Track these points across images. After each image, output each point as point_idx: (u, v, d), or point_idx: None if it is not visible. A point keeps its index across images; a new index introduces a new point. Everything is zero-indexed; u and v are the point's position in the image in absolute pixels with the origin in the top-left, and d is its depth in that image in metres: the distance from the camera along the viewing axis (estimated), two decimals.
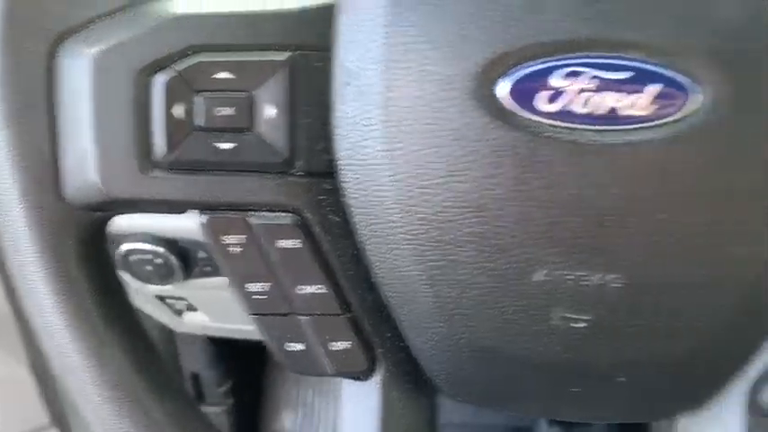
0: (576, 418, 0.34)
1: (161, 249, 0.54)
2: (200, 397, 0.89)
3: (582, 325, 0.29)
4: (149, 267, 0.57)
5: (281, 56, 0.29)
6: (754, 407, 0.32)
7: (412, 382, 0.35)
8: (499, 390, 0.33)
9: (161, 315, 0.70)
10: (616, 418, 0.34)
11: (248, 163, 0.30)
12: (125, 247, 0.56)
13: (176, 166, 0.30)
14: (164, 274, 0.59)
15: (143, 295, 0.65)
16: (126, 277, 0.59)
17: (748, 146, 0.27)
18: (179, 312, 0.71)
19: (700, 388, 0.32)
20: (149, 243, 0.55)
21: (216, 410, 0.92)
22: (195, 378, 0.89)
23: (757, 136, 0.26)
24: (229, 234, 0.31)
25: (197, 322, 0.71)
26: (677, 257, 0.28)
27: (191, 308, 0.69)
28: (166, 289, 0.63)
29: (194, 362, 0.88)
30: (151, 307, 0.68)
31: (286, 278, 0.32)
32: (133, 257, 0.56)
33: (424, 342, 0.32)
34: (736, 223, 0.27)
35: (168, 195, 0.31)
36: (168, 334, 0.83)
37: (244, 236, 0.31)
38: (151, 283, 0.60)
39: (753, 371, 0.32)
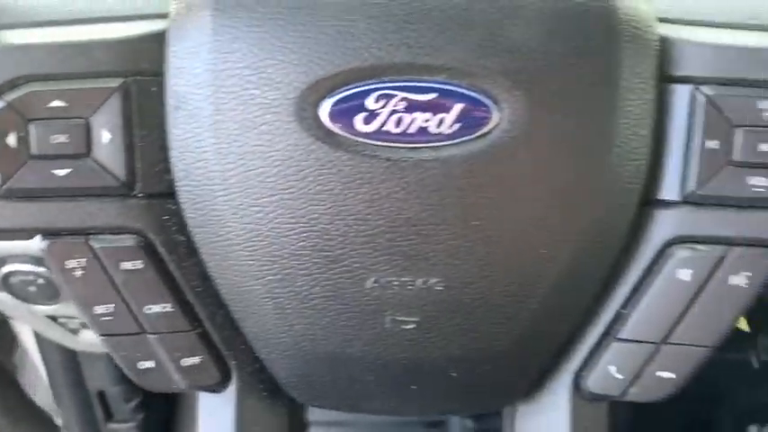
0: (420, 414, 0.36)
1: (42, 269, 0.54)
2: (108, 415, 0.88)
3: (411, 326, 0.32)
4: (33, 288, 0.56)
5: (114, 82, 0.30)
6: (579, 391, 0.35)
7: (268, 390, 0.36)
8: (345, 392, 0.35)
9: (55, 335, 0.70)
10: (458, 412, 0.37)
11: (87, 188, 0.31)
12: (5, 268, 0.55)
13: (12, 195, 0.31)
14: (49, 294, 0.58)
15: (33, 316, 0.64)
16: (10, 299, 0.59)
17: (544, 158, 0.29)
18: (74, 331, 0.70)
19: (525, 377, 0.35)
20: (30, 263, 0.54)
21: (126, 427, 0.91)
22: (102, 396, 0.87)
23: (551, 149, 0.29)
24: (72, 258, 0.32)
25: (94, 340, 0.71)
26: (489, 260, 0.30)
27: (85, 325, 0.68)
28: (56, 308, 0.62)
29: (99, 379, 0.87)
30: (44, 327, 0.68)
31: (132, 299, 0.33)
32: (14, 279, 0.55)
33: (270, 352, 0.34)
34: (537, 228, 0.30)
35: (7, 224, 0.31)
36: (70, 353, 0.82)
37: (85, 259, 0.32)
38: (38, 303, 0.60)
39: (576, 359, 0.35)
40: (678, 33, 0.31)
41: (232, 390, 0.36)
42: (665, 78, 0.31)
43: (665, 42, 0.31)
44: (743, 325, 0.55)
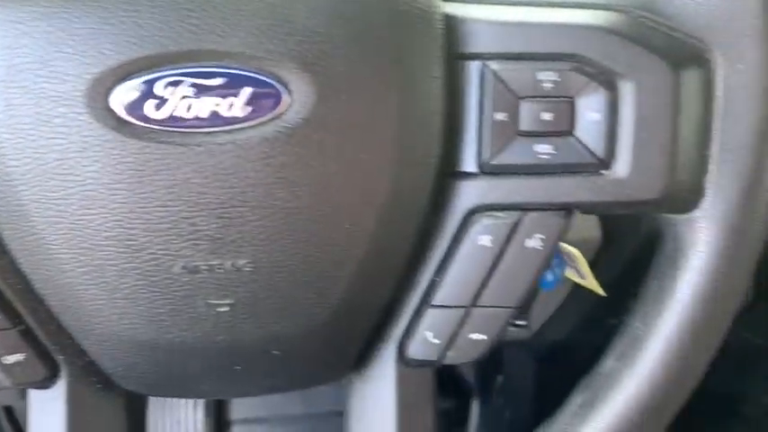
0: (251, 394, 0.37)
1: None
2: (17, 431, 0.85)
3: (226, 309, 0.32)
4: None
5: None
6: (402, 359, 0.37)
7: (102, 383, 0.36)
8: (173, 378, 0.35)
9: None
10: (288, 388, 0.38)
11: None
12: None
13: None
14: None
15: None
16: None
17: (337, 138, 0.30)
18: None
19: (349, 350, 0.36)
20: None
21: None
22: (9, 411, 0.85)
23: (342, 129, 0.30)
24: None
25: None
26: (294, 239, 0.31)
27: None
28: None
29: (5, 394, 0.84)
30: None
31: None
32: None
33: (91, 344, 0.34)
34: (337, 205, 0.31)
35: None
36: None
37: None
38: None
39: (398, 328, 0.36)
40: (464, 12, 0.33)
41: (62, 385, 0.35)
42: (456, 56, 0.33)
43: (451, 21, 0.33)
44: (598, 288, 0.58)
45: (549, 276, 0.54)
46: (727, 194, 0.33)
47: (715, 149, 0.33)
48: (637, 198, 0.33)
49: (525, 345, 1.05)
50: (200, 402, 0.93)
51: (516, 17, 0.33)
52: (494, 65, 0.33)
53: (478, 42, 0.33)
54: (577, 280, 0.60)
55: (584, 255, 0.74)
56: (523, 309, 0.56)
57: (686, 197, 0.34)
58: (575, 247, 0.61)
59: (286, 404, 1.11)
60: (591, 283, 0.58)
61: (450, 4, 0.33)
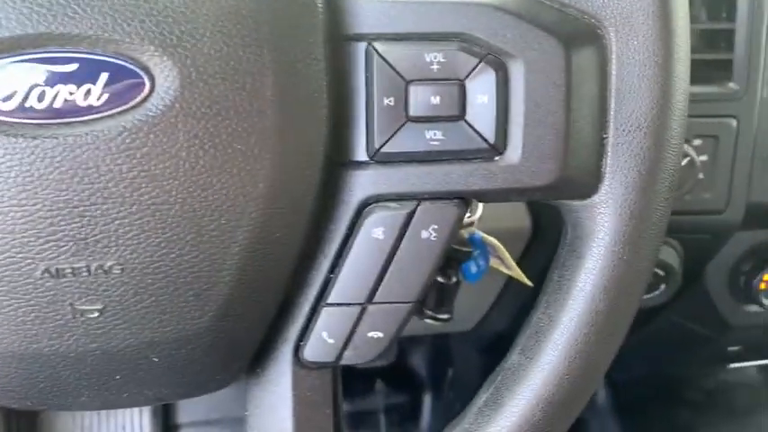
0: (135, 405, 0.35)
1: None
2: None
3: (96, 314, 0.30)
4: None
5: None
6: (298, 362, 0.35)
7: None
8: (45, 391, 0.33)
9: None
10: (175, 397, 0.36)
11: None
12: None
13: None
14: None
15: None
16: None
17: (206, 126, 0.28)
18: None
19: (240, 353, 0.34)
20: None
21: None
22: None
23: (211, 116, 0.28)
24: None
25: None
26: (166, 236, 0.29)
27: None
28: None
29: None
30: None
31: None
32: None
33: None
34: (212, 198, 0.29)
35: None
36: None
37: None
38: None
39: (294, 329, 0.34)
40: None
41: None
42: (340, 37, 0.31)
43: (333, 1, 0.31)
44: (524, 279, 0.57)
45: (473, 268, 0.53)
46: (625, 178, 0.32)
47: (611, 131, 0.32)
48: (531, 184, 0.32)
49: (469, 337, 1.05)
50: (147, 406, 0.90)
51: None
52: (379, 46, 0.31)
53: (363, 22, 0.31)
54: (504, 270, 0.59)
55: (515, 245, 0.73)
56: (446, 301, 0.55)
57: (583, 182, 0.32)
58: (505, 237, 0.60)
59: (235, 406, 1.09)
60: (517, 273, 0.57)
61: None
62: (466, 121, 0.31)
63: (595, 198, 0.33)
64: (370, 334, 0.34)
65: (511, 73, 0.31)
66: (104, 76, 0.27)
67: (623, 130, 0.31)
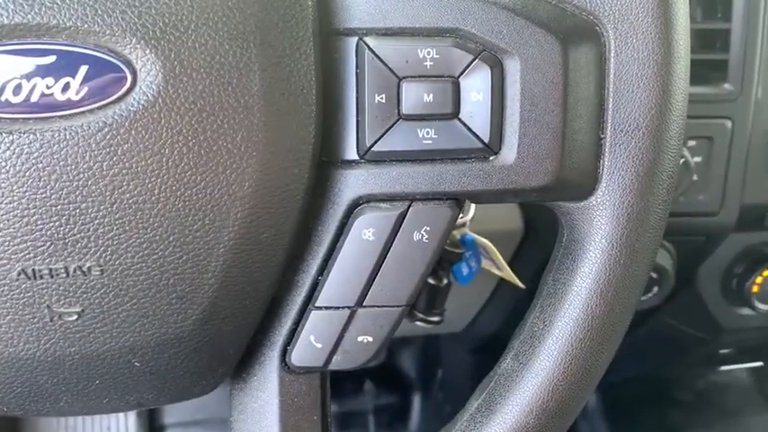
0: (119, 410, 0.33)
1: None
2: None
3: (74, 317, 0.29)
4: None
5: None
6: (285, 366, 0.34)
7: None
8: (21, 396, 0.32)
9: None
10: (159, 402, 0.35)
11: None
12: None
13: None
14: None
15: None
16: None
17: (190, 121, 0.27)
18: None
19: (225, 358, 0.33)
20: None
21: None
22: None
23: (195, 111, 0.27)
24: None
25: None
26: (148, 237, 0.28)
27: None
28: None
29: None
30: None
31: None
32: None
33: None
34: (197, 197, 0.28)
35: None
36: None
37: None
38: None
39: (281, 334, 0.33)
40: None
41: None
42: (330, 32, 0.30)
43: None
44: (516, 280, 0.57)
45: (465, 270, 0.52)
46: (623, 180, 0.31)
47: (608, 131, 0.31)
48: (526, 185, 0.31)
49: (459, 338, 1.04)
50: None
51: None
52: (371, 41, 0.30)
53: (354, 16, 0.30)
54: (496, 272, 0.58)
55: (507, 246, 0.72)
56: (437, 303, 0.54)
57: (580, 184, 0.31)
58: (497, 238, 0.59)
59: (221, 407, 1.08)
60: (509, 275, 0.57)
61: None
62: (460, 120, 0.30)
63: (592, 200, 0.32)
64: (360, 338, 0.33)
65: (506, 70, 0.30)
66: (83, 69, 0.26)
67: (621, 131, 0.31)
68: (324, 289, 0.32)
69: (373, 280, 0.32)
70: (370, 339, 0.33)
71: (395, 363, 1.25)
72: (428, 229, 0.31)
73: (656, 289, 0.61)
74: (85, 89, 0.26)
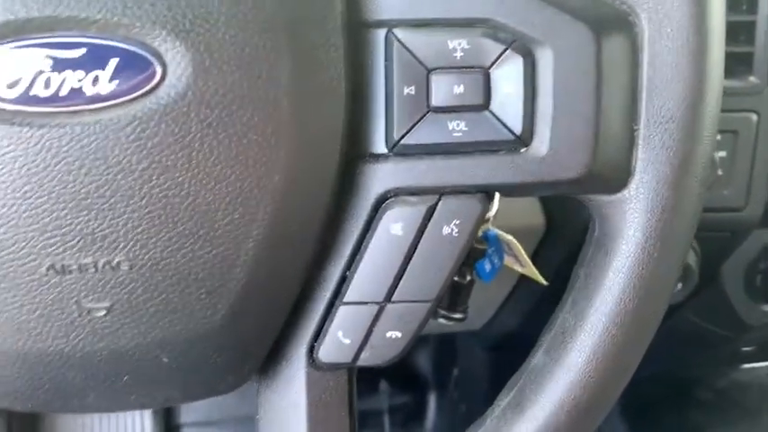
0: (144, 407, 0.33)
1: None
2: None
3: (103, 313, 0.29)
4: None
5: None
6: (313, 362, 0.34)
7: None
8: (49, 393, 0.31)
9: None
10: (185, 399, 0.35)
11: None
12: None
13: None
14: None
15: None
16: None
17: (220, 114, 0.27)
18: None
19: (252, 354, 0.33)
20: None
21: None
22: None
23: (225, 104, 0.27)
24: None
25: None
26: (177, 231, 0.28)
27: None
28: None
29: None
30: None
31: None
32: None
33: None
34: (226, 191, 0.27)
35: None
36: None
37: None
38: None
39: (308, 329, 0.33)
40: None
41: None
42: (359, 24, 0.29)
43: None
44: (539, 277, 0.56)
45: (487, 266, 0.51)
46: (657, 172, 0.30)
47: (642, 123, 0.30)
48: (559, 178, 0.30)
49: (477, 336, 1.04)
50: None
51: None
52: (400, 33, 0.29)
53: (383, 8, 0.29)
54: (518, 269, 0.57)
55: (528, 242, 0.71)
56: (460, 300, 0.53)
57: (613, 176, 0.31)
58: (518, 234, 0.59)
59: (237, 405, 1.08)
60: (531, 271, 0.56)
61: None
62: (491, 112, 0.30)
63: (625, 193, 0.31)
64: (389, 334, 0.32)
65: (538, 61, 0.29)
66: (114, 62, 0.26)
67: (655, 122, 0.30)
68: (352, 284, 0.31)
69: (402, 275, 0.31)
70: (399, 335, 0.32)
71: (410, 361, 1.25)
72: (458, 222, 0.31)
73: (680, 285, 0.60)
74: (116, 82, 0.26)
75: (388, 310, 0.32)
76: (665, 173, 0.30)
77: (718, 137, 0.57)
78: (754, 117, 0.56)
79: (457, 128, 0.30)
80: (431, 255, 0.31)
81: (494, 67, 0.29)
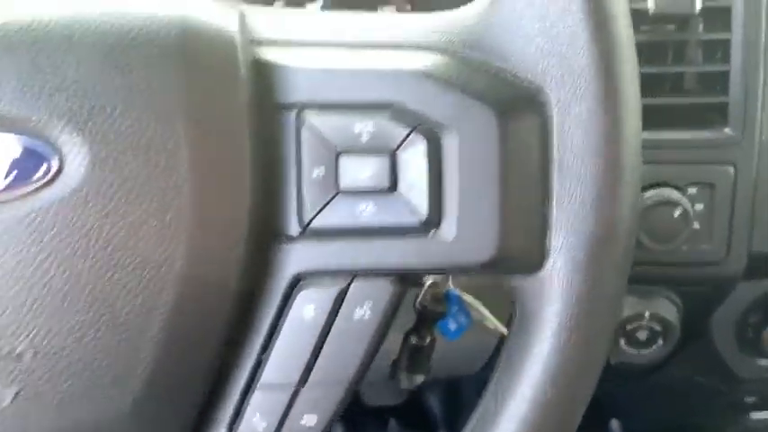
0: None
1: None
2: None
3: (9, 399, 0.29)
4: None
5: None
6: None
7: None
8: None
9: None
10: None
11: None
12: None
13: None
14: None
15: None
16: None
17: (119, 202, 0.27)
18: None
19: None
20: None
21: None
22: None
23: (125, 192, 0.27)
24: None
25: None
26: (78, 319, 0.28)
27: None
28: None
29: None
30: None
31: None
32: None
33: None
34: (127, 278, 0.27)
35: None
36: None
37: None
38: None
39: (227, 412, 0.31)
40: (277, 57, 0.29)
41: None
42: (269, 106, 0.29)
43: (263, 68, 0.29)
44: (502, 328, 0.55)
45: (452, 325, 0.50)
46: (570, 257, 0.29)
47: (555, 204, 0.29)
48: (468, 261, 0.29)
49: (479, 378, 1.02)
50: None
51: (332, 63, 0.30)
52: (309, 115, 0.29)
53: (292, 90, 0.29)
54: (489, 325, 0.57)
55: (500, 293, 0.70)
56: (421, 362, 0.52)
57: (526, 258, 0.30)
58: (488, 287, 0.58)
59: None
60: (494, 324, 0.55)
61: (264, 48, 0.30)
62: (398, 194, 0.29)
63: (541, 274, 0.30)
64: (305, 417, 0.31)
65: (444, 144, 0.29)
66: (10, 155, 0.26)
67: (567, 205, 0.29)
68: (267, 367, 0.31)
69: (316, 358, 0.31)
70: (315, 418, 0.31)
71: (419, 401, 1.23)
72: (371, 305, 0.30)
73: (660, 342, 0.58)
74: (13, 174, 0.27)
75: (304, 394, 0.31)
76: (578, 258, 0.29)
77: (694, 190, 0.55)
78: (731, 169, 0.54)
79: (366, 210, 0.29)
80: (344, 338, 0.30)
81: (400, 149, 0.29)
